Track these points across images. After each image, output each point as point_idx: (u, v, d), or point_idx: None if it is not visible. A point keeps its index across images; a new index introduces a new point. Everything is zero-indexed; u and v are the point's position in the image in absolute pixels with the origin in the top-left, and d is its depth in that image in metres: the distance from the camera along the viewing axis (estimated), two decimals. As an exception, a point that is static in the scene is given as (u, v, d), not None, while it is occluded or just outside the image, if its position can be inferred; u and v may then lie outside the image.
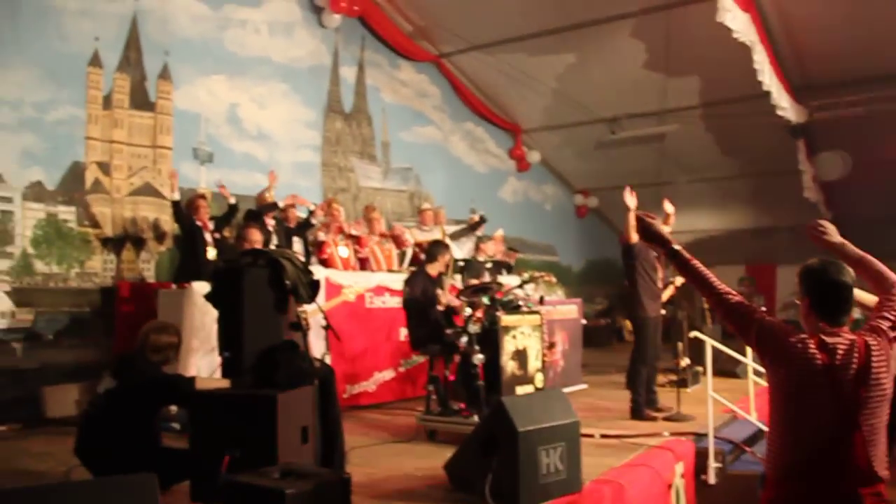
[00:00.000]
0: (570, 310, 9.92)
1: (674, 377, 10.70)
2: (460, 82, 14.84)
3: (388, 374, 8.94)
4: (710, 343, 7.14)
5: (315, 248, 9.58)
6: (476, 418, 6.42)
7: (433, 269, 7.39)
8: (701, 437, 6.79)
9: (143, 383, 4.26)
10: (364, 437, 6.81)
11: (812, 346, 3.12)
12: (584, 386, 10.00)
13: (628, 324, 18.19)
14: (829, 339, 3.12)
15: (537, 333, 7.23)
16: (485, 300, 6.93)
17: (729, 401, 7.66)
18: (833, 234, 3.56)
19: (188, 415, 4.27)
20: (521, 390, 6.82)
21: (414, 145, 14.00)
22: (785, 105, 11.81)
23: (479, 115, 15.53)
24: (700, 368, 10.72)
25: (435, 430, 6.74)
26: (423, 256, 8.14)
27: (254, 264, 4.54)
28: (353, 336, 8.40)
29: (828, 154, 14.04)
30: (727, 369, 11.52)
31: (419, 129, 14.19)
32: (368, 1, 12.45)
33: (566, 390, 8.99)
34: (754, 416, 7.62)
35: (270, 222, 8.98)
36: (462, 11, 12.65)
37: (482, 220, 11.45)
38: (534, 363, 7.10)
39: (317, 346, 6.21)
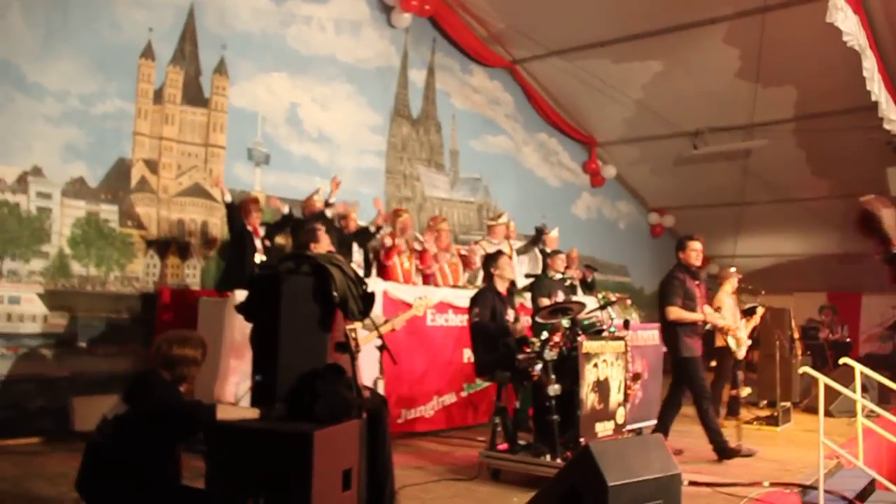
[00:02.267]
0: (650, 335, 8.98)
1: (761, 414, 9.78)
2: (535, 90, 14.05)
3: (448, 399, 8.17)
4: (822, 380, 6.16)
5: (381, 254, 8.88)
6: (548, 458, 5.59)
7: (500, 285, 6.59)
8: (807, 489, 5.86)
9: (154, 410, 3.52)
10: (418, 472, 6.04)
11: None
12: (659, 420, 9.04)
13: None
14: None
15: (621, 362, 6.38)
16: (564, 322, 6.09)
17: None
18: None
19: (206, 450, 3.51)
20: (600, 427, 5.97)
21: (484, 155, 13.24)
22: (894, 118, 10.73)
23: (553, 125, 14.70)
24: (789, 405, 9.76)
25: (499, 470, 5.91)
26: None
27: (296, 271, 3.81)
28: (411, 356, 7.66)
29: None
30: (818, 407, 10.51)
31: (490, 139, 13.43)
32: (440, 1, 11.76)
33: (642, 425, 8.20)
34: (862, 464, 6.61)
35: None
36: (541, 14, 11.85)
37: (539, 232, 10.56)
38: (616, 396, 6.24)
39: (368, 369, 5.44)
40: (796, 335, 10.78)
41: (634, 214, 17.75)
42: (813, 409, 10.51)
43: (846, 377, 7.53)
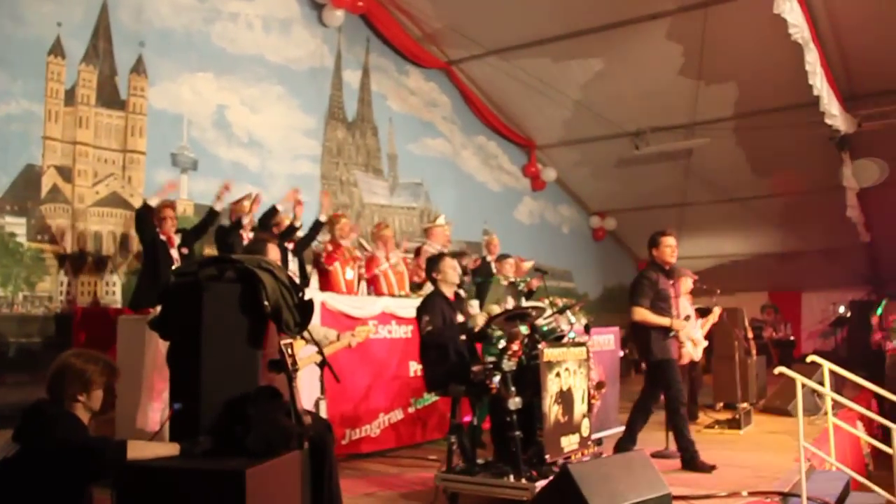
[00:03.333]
0: (606, 340, 8.55)
1: (720, 417, 9.44)
2: (472, 92, 13.62)
3: (395, 416, 7.59)
4: (799, 380, 5.78)
5: (321, 259, 8.26)
6: (511, 478, 5.08)
7: (447, 290, 6.06)
8: (788, 497, 5.47)
9: (48, 450, 2.90)
10: (369, 500, 5.46)
11: None
12: (621, 428, 8.60)
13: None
14: None
15: (583, 370, 5.89)
16: (523, 329, 5.60)
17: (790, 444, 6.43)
18: None
19: (114, 497, 2.90)
20: (566, 441, 5.47)
21: (423, 159, 12.75)
22: (835, 112, 10.57)
23: (491, 128, 14.29)
24: (749, 406, 9.44)
25: (458, 493, 5.36)
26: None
27: (219, 277, 3.23)
28: (353, 371, 7.09)
29: (864, 160, 12.77)
30: (775, 406, 10.27)
31: (428, 142, 12.94)
32: (374, -1, 11.27)
33: (602, 434, 7.77)
34: (838, 465, 6.29)
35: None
36: (477, 12, 11.43)
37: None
38: (580, 407, 5.75)
39: (308, 389, 4.84)
40: (750, 335, 10.48)
41: (576, 218, 17.44)
42: (771, 410, 10.28)
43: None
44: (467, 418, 6.33)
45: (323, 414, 4.31)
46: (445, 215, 10.40)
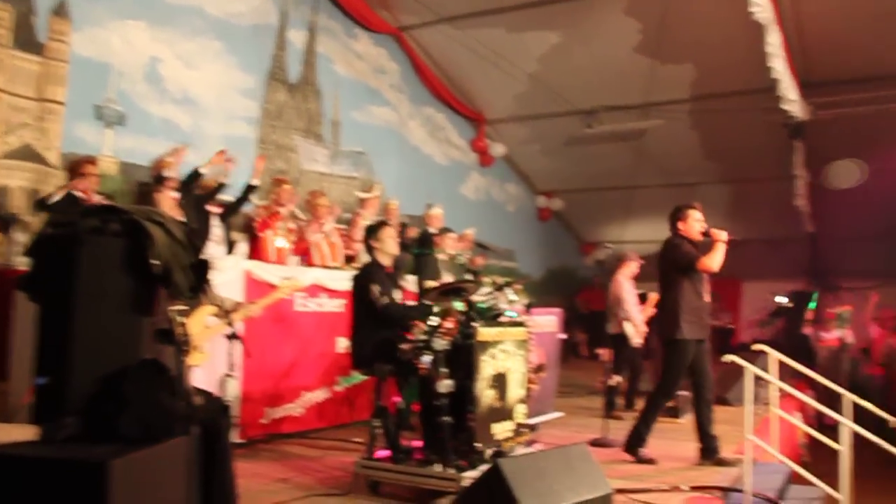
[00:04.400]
0: (548, 321, 8.21)
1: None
2: (422, 60, 13.16)
3: (320, 395, 7.17)
4: (750, 370, 5.51)
5: (254, 225, 7.76)
6: (439, 467, 4.71)
7: (384, 260, 5.65)
8: (730, 492, 5.20)
9: None
10: (282, 487, 5.03)
11: None
12: (559, 414, 8.32)
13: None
14: None
15: (522, 352, 5.54)
16: (458, 306, 5.21)
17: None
18: None
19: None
20: (498, 428, 5.11)
21: (367, 127, 12.24)
22: (793, 98, 10.38)
23: (440, 99, 13.84)
24: (687, 394, 9.21)
25: (379, 482, 4.97)
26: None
27: (101, 230, 2.76)
28: (277, 346, 6.65)
29: (845, 161, 12.64)
30: (715, 395, 10.07)
31: (374, 110, 12.45)
32: (322, -45, 10.73)
33: (538, 420, 7.44)
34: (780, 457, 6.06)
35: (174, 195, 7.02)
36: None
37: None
38: (516, 392, 5.39)
39: (216, 364, 4.38)
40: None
41: (523, 197, 17.11)
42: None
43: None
44: (397, 399, 5.94)
45: (230, 394, 3.87)
46: (387, 188, 10.00)
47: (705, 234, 6.09)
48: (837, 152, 12.78)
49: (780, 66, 9.58)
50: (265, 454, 6.06)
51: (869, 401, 6.31)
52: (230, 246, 7.69)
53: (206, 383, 3.99)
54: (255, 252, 7.61)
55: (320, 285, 7.18)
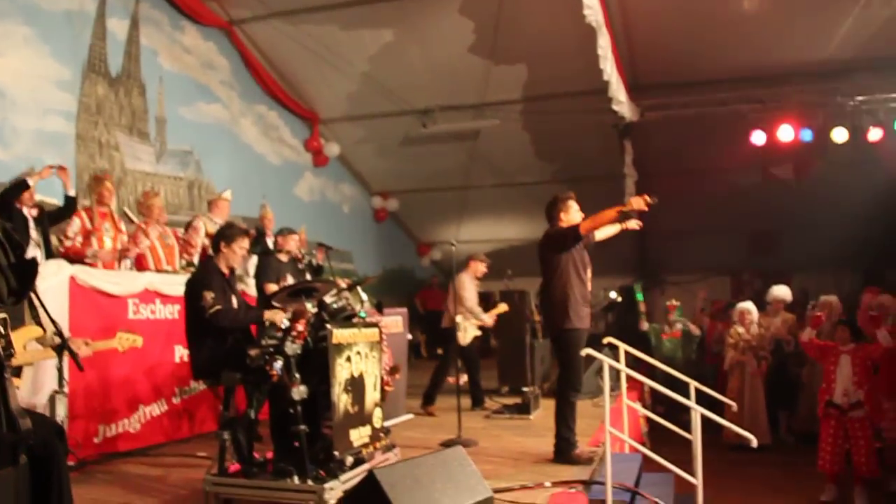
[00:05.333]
0: (394, 321, 8.03)
1: (507, 402, 9.24)
2: (253, 56, 12.64)
3: (157, 409, 6.68)
4: (606, 363, 5.54)
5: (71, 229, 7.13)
6: (295, 480, 4.42)
7: (224, 266, 5.28)
8: (591, 484, 5.21)
9: None
10: (123, 511, 4.60)
11: None
12: (409, 416, 8.18)
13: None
14: None
15: (376, 354, 5.33)
16: (309, 307, 4.94)
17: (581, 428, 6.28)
18: None
19: None
20: (355, 434, 4.88)
21: (196, 125, 11.62)
22: (622, 99, 10.70)
23: (272, 97, 13.37)
24: (536, 390, 9.30)
25: (232, 499, 4.62)
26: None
27: None
28: (109, 358, 6.10)
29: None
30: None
31: (203, 107, 11.84)
32: (144, -60, 10.08)
33: (390, 423, 7.24)
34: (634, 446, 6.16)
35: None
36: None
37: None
38: (372, 395, 5.18)
39: (44, 380, 3.91)
40: (537, 318, 10.38)
41: (358, 198, 16.87)
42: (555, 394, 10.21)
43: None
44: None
45: (59, 413, 3.43)
46: (224, 188, 9.52)
47: (647, 202, 5.96)
48: (664, 152, 13.32)
49: (609, 68, 9.81)
50: (101, 476, 5.54)
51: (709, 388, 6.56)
52: (49, 249, 7.02)
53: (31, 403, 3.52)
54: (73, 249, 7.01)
55: (155, 290, 6.69)
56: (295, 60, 12.76)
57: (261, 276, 7.66)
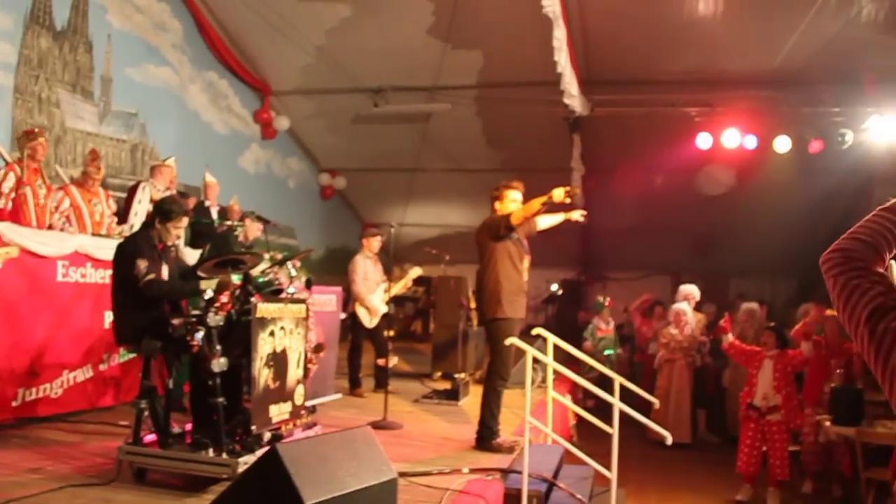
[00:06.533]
0: (327, 300, 8.01)
1: (438, 387, 9.28)
2: (207, 21, 12.40)
3: (82, 374, 6.57)
4: (530, 352, 5.59)
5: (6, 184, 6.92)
6: (211, 452, 4.39)
7: (157, 237, 5.17)
8: (508, 473, 5.27)
9: None
10: (34, 479, 4.51)
11: None
12: (337, 396, 8.17)
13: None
14: None
15: (301, 330, 5.30)
16: (235, 278, 4.89)
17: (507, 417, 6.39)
18: None
19: None
20: (275, 410, 4.86)
21: (143, 87, 11.37)
22: (574, 93, 10.76)
23: (224, 65, 13.14)
24: (467, 377, 9.36)
25: (146, 469, 4.57)
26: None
27: None
28: (33, 319, 6.00)
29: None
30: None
31: (152, 69, 11.58)
32: None
33: (317, 402, 7.24)
34: (554, 437, 6.24)
35: None
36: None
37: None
38: (294, 372, 5.16)
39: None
40: (472, 305, 10.43)
41: (305, 173, 16.70)
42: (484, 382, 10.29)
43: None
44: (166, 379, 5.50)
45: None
46: (162, 154, 9.34)
47: (568, 193, 5.99)
48: (612, 149, 13.44)
49: (564, 61, 9.86)
50: (16, 441, 5.44)
51: (638, 385, 6.66)
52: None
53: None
54: (12, 213, 6.84)
55: (85, 253, 6.56)
56: (250, 29, 12.56)
57: (196, 246, 7.59)
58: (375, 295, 8.85)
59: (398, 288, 9.31)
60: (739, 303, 12.31)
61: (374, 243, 9.16)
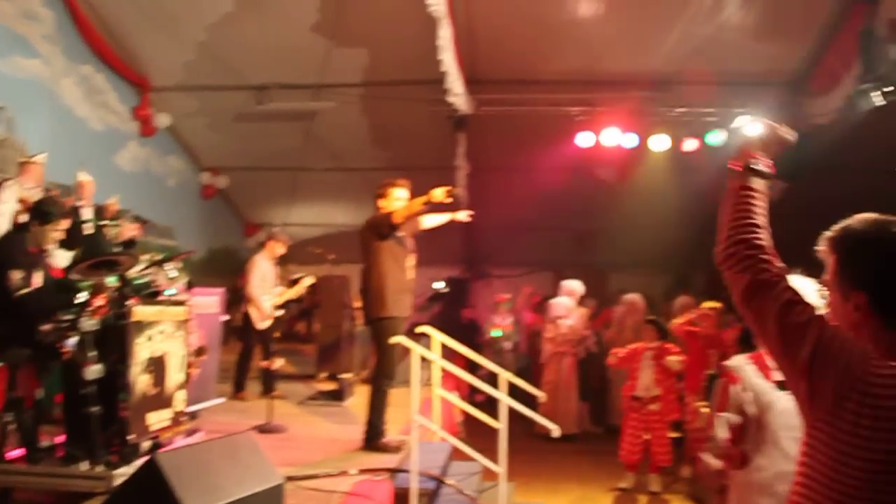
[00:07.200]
0: (209, 302, 7.80)
1: (323, 388, 9.18)
2: (82, 12, 11.80)
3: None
4: (416, 350, 5.56)
5: None
6: (86, 465, 4.19)
7: (33, 241, 4.90)
8: (397, 473, 5.24)
9: None
10: None
11: None
12: (220, 400, 7.96)
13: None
14: None
15: (181, 333, 5.14)
16: (111, 281, 4.69)
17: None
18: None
19: None
20: (154, 417, 4.70)
21: (11, 80, 10.73)
22: (459, 91, 10.85)
23: (101, 58, 12.57)
24: (352, 377, 9.29)
25: (12, 487, 4.31)
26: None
27: None
28: None
29: None
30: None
31: (20, 61, 10.95)
32: None
33: (199, 407, 7.03)
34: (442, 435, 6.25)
35: None
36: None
37: None
38: (175, 377, 4.99)
39: None
40: (357, 304, 10.35)
41: (186, 172, 16.19)
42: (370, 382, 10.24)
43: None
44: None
45: None
46: (39, 150, 8.85)
47: (449, 193, 5.99)
48: (496, 147, 13.59)
49: (449, 59, 9.92)
50: None
51: (526, 380, 6.74)
52: None
53: None
54: None
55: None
56: (128, 22, 12.08)
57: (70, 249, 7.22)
58: (269, 298, 8.68)
59: (290, 294, 9.15)
60: (620, 297, 12.68)
61: (279, 248, 9.00)
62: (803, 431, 1.84)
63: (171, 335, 4.93)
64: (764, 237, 1.93)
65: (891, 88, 8.71)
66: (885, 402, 1.66)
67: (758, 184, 1.99)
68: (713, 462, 3.31)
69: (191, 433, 5.18)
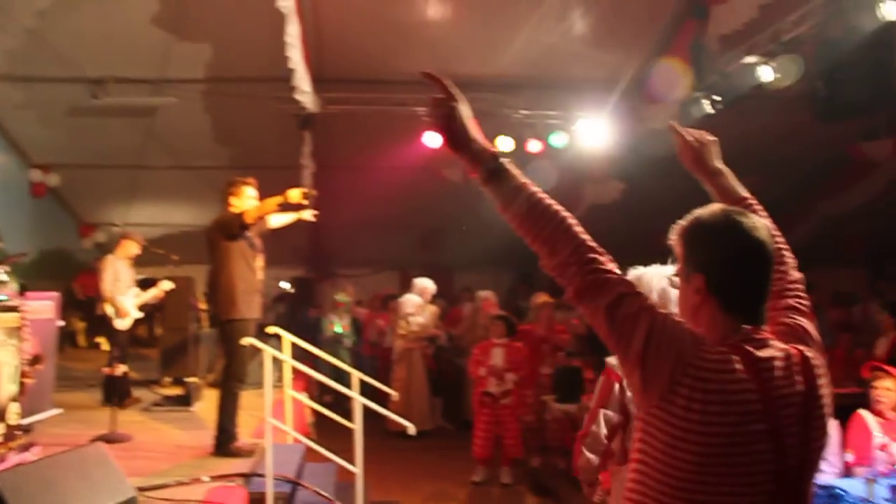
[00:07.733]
0: (43, 307, 7.37)
1: (168, 393, 8.89)
2: None
3: None
4: (269, 353, 5.48)
5: None
6: None
7: None
8: (251, 478, 5.14)
9: None
10: None
11: (738, 364, 1.77)
12: (58, 411, 7.53)
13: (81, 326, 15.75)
14: (759, 352, 1.80)
15: (14, 341, 4.85)
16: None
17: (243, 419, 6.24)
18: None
19: None
20: (-14, 432, 4.39)
21: None
22: (306, 89, 10.75)
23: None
24: (199, 381, 9.04)
25: None
26: None
27: None
28: None
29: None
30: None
31: None
32: None
33: (34, 419, 6.63)
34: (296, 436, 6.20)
35: None
36: None
37: None
38: (7, 388, 4.70)
39: None
40: (203, 306, 10.09)
41: (13, 169, 15.18)
42: (219, 385, 9.98)
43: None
44: None
45: None
46: None
47: (305, 195, 5.95)
48: (343, 146, 13.54)
49: (296, 57, 9.81)
50: None
51: (373, 377, 6.78)
52: None
53: None
54: None
55: None
56: (-57, 6, 11.24)
57: None
58: (127, 297, 8.33)
59: (148, 297, 8.79)
60: (465, 295, 12.90)
61: (132, 248, 8.62)
62: (640, 420, 1.92)
63: (2, 343, 4.64)
64: (585, 235, 2.01)
65: (718, 98, 9.34)
66: (714, 387, 1.75)
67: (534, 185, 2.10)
68: (591, 457, 3.42)
69: (25, 448, 4.87)
